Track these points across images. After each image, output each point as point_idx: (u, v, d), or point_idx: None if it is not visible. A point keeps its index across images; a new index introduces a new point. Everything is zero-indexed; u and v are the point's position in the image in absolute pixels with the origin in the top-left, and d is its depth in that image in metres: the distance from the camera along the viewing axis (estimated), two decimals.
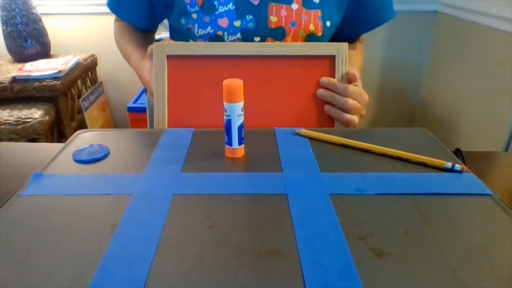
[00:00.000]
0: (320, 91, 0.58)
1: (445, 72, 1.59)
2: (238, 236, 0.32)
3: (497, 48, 1.26)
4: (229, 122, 0.44)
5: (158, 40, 0.79)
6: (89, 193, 0.38)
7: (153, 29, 0.81)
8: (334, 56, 0.58)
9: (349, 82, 0.58)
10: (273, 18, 0.64)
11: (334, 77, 0.59)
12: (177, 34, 0.70)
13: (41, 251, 0.30)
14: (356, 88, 0.58)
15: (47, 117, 1.33)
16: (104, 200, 0.37)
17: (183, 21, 0.66)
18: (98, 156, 0.45)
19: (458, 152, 0.50)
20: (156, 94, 0.58)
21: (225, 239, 0.31)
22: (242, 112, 0.44)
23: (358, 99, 0.58)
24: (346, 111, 0.57)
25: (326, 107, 0.58)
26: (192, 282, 0.27)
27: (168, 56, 0.58)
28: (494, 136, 1.27)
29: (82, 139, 0.50)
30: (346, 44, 0.58)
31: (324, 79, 0.58)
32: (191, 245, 0.31)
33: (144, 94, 1.64)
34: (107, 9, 0.75)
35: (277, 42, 0.62)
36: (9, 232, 0.32)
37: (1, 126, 1.26)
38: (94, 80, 1.74)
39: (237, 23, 0.64)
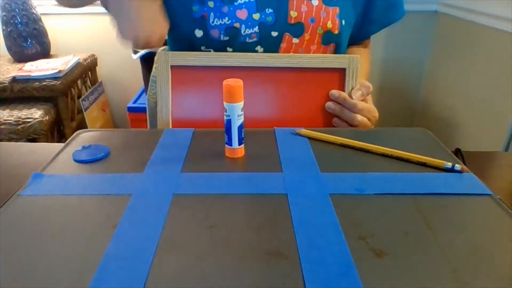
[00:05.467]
0: (329, 104, 0.57)
1: (445, 72, 1.59)
2: (238, 236, 0.32)
3: (497, 48, 1.26)
4: (229, 122, 0.44)
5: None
6: (89, 193, 0.38)
7: None
8: (344, 69, 0.57)
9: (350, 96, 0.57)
10: (293, 13, 0.62)
11: (343, 90, 0.58)
12: (183, 23, 0.64)
13: (41, 251, 0.30)
14: (366, 105, 0.57)
15: (47, 117, 1.33)
16: (104, 200, 0.37)
17: (196, 8, 0.62)
18: (98, 156, 0.45)
19: (458, 152, 0.50)
20: (159, 106, 0.57)
21: (225, 239, 0.31)
22: (242, 112, 0.44)
23: (368, 116, 0.57)
24: (354, 126, 0.57)
25: (335, 120, 0.58)
26: (192, 282, 0.27)
27: (172, 67, 0.56)
28: (494, 136, 1.27)
29: (82, 139, 0.50)
30: (358, 56, 0.57)
31: (335, 92, 0.57)
32: (191, 245, 0.31)
33: (144, 94, 1.64)
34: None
35: (286, 54, 0.60)
36: (9, 232, 0.32)
37: (1, 126, 1.26)
38: (94, 80, 1.74)
39: (256, 16, 0.61)
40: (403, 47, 1.73)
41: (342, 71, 0.57)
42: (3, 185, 0.44)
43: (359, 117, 0.56)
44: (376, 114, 0.59)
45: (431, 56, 1.71)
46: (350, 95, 0.57)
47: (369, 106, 0.58)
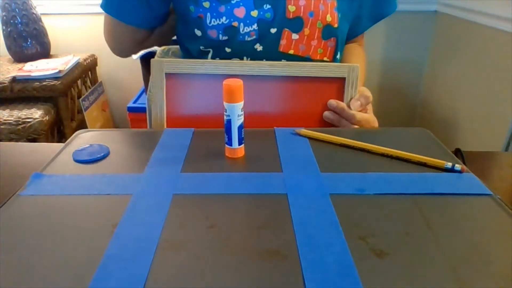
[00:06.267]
0: (327, 114, 0.57)
1: (445, 72, 1.59)
2: (238, 236, 0.32)
3: (497, 48, 1.26)
4: (229, 122, 0.44)
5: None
6: (89, 193, 0.38)
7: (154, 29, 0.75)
8: (344, 78, 0.56)
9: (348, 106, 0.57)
10: (291, 8, 0.61)
11: (342, 99, 0.57)
12: (184, 22, 0.66)
13: (41, 251, 0.30)
14: (365, 116, 0.56)
15: (47, 117, 1.33)
16: (104, 200, 0.37)
17: (192, 8, 0.62)
18: (98, 156, 0.45)
19: (458, 152, 0.50)
20: (154, 112, 0.56)
21: (225, 239, 0.31)
22: (242, 112, 0.44)
23: (366, 127, 0.56)
24: None
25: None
26: (192, 282, 0.27)
27: (167, 74, 0.55)
28: (494, 136, 1.27)
29: (82, 139, 0.50)
30: (358, 66, 0.56)
31: (333, 102, 0.56)
32: (191, 245, 0.31)
33: (144, 94, 1.64)
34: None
35: (286, 62, 0.59)
36: (9, 232, 0.33)
37: (1, 126, 1.26)
38: (94, 80, 1.74)
39: (254, 13, 0.60)
40: (403, 47, 1.73)
41: (341, 80, 0.56)
42: (3, 185, 0.44)
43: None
44: (376, 124, 0.58)
45: (431, 56, 1.71)
46: (348, 105, 0.56)
47: (368, 116, 0.57)
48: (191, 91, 0.57)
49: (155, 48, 0.80)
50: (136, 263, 0.29)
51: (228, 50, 0.64)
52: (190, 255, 0.30)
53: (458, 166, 0.42)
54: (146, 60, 1.48)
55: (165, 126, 0.57)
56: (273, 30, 0.62)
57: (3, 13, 1.50)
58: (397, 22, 1.66)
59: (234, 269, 0.28)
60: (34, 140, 1.29)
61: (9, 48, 1.56)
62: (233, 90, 0.42)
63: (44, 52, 1.60)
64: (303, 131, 0.50)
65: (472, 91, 1.40)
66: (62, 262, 0.29)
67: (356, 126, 0.55)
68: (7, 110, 1.33)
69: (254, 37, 0.62)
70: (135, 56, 1.48)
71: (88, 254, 0.30)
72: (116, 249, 0.30)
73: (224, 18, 0.60)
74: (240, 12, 0.60)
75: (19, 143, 0.72)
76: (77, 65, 1.54)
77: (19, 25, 1.51)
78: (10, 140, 1.27)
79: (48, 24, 1.64)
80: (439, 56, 1.64)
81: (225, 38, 0.62)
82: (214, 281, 0.27)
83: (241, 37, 0.62)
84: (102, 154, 0.45)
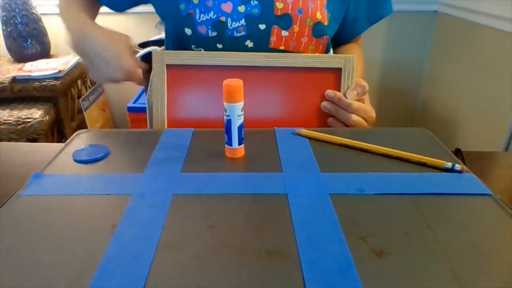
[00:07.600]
0: (325, 104, 0.57)
1: (445, 72, 1.59)
2: (238, 236, 0.32)
3: (497, 48, 1.26)
4: (229, 122, 0.44)
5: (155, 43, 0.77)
6: (89, 193, 0.38)
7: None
8: (340, 69, 0.57)
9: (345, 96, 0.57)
10: (279, 5, 0.61)
11: (339, 90, 0.57)
12: (174, 23, 0.67)
13: (41, 251, 0.30)
14: (362, 105, 0.56)
15: (47, 117, 1.33)
16: (104, 200, 0.37)
17: (182, 6, 0.63)
18: (98, 156, 0.45)
19: (458, 152, 0.50)
20: (155, 105, 0.57)
21: (225, 239, 0.31)
22: (242, 112, 0.44)
23: (364, 116, 0.56)
24: (349, 126, 0.57)
25: (330, 120, 0.58)
26: (192, 282, 0.27)
27: (168, 66, 0.57)
28: (494, 136, 1.27)
29: (82, 139, 0.50)
30: (354, 57, 0.57)
31: (330, 93, 0.57)
32: (191, 245, 0.31)
33: (144, 94, 1.64)
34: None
35: (282, 53, 0.60)
36: (9, 232, 0.33)
37: (1, 126, 1.26)
38: None
39: (241, 9, 0.61)
40: (403, 47, 1.73)
41: (338, 71, 0.57)
42: (3, 185, 0.44)
43: (354, 117, 0.56)
44: (373, 114, 0.58)
45: (431, 56, 1.71)
46: (345, 95, 0.57)
47: (365, 106, 0.57)
48: (191, 82, 0.58)
49: (154, 48, 0.80)
50: (136, 263, 0.29)
51: (219, 46, 0.64)
52: (190, 255, 0.30)
53: (458, 166, 0.42)
54: (146, 60, 1.49)
55: (165, 118, 0.57)
56: (262, 27, 0.62)
57: (3, 13, 1.50)
58: (397, 22, 1.66)
59: (234, 269, 0.28)
60: (34, 140, 1.29)
61: (9, 48, 1.55)
62: (233, 90, 0.42)
63: (44, 52, 1.60)
64: (303, 131, 0.50)
65: (472, 91, 1.40)
66: (62, 262, 0.29)
67: (353, 116, 0.56)
68: (7, 110, 1.33)
69: (243, 33, 0.63)
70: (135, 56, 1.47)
71: (88, 254, 0.30)
72: (116, 249, 0.30)
73: (212, 13, 0.61)
74: (227, 7, 0.61)
75: (19, 143, 0.72)
76: (77, 65, 1.54)
77: (19, 25, 1.51)
78: (10, 140, 1.27)
79: (48, 24, 1.64)
80: (439, 56, 1.64)
81: (214, 33, 0.63)
82: (214, 281, 0.27)
83: (229, 32, 0.62)
84: (102, 154, 0.45)
